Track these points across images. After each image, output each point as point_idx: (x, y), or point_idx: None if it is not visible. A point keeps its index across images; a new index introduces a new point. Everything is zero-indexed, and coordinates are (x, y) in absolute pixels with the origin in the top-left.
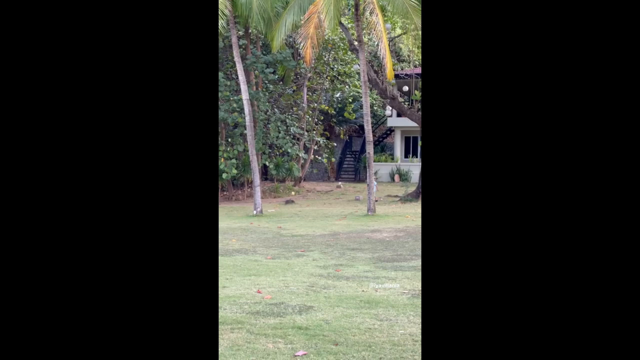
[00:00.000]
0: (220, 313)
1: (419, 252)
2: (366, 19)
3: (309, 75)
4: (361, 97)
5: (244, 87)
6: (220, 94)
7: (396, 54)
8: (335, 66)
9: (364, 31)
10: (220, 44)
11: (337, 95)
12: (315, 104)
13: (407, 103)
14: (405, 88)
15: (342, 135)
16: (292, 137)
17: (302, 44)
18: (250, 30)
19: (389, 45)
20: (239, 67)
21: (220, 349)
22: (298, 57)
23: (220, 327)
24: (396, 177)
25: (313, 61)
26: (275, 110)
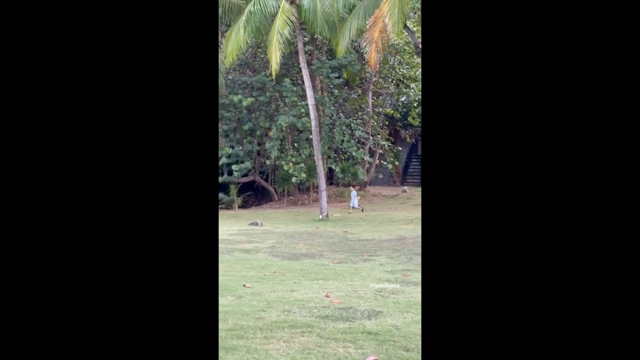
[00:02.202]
0: (290, 317)
1: None
2: None
3: (374, 79)
4: None
5: (309, 92)
6: (287, 99)
7: None
8: (401, 70)
9: None
10: (287, 51)
11: (403, 99)
12: (381, 108)
13: None
14: None
15: (407, 139)
16: (357, 141)
17: (366, 49)
18: (315, 36)
19: None
20: (305, 73)
21: (292, 352)
22: (363, 62)
23: (291, 330)
24: None
25: (378, 65)
26: (341, 114)
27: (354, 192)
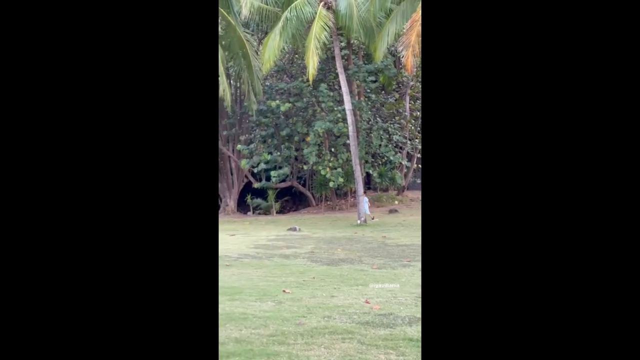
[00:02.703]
0: (330, 322)
1: None
2: None
3: (411, 83)
4: None
5: (346, 97)
6: (324, 104)
7: None
8: None
9: None
10: (323, 56)
11: None
12: (418, 112)
13: None
14: None
15: None
16: (394, 145)
17: (403, 52)
18: (352, 41)
19: None
20: (342, 78)
21: (333, 359)
22: (399, 66)
23: (331, 336)
24: None
25: (415, 69)
26: (378, 119)
27: (365, 199)
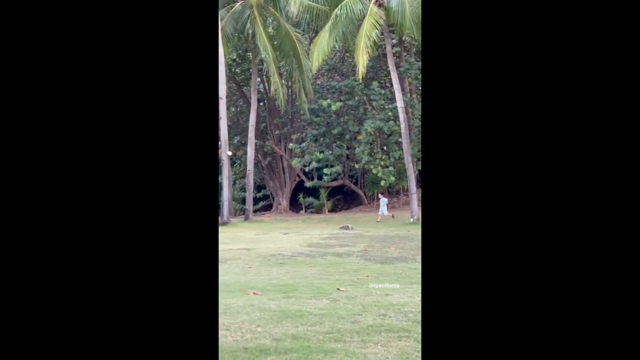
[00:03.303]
0: (386, 321)
1: None
2: None
3: None
4: None
5: (398, 94)
6: (375, 102)
7: None
8: None
9: None
10: (374, 54)
11: None
12: None
13: None
14: None
15: None
16: None
17: None
18: (403, 38)
19: None
20: (394, 76)
21: (390, 357)
22: None
23: (388, 334)
24: None
25: None
26: None
27: (383, 200)
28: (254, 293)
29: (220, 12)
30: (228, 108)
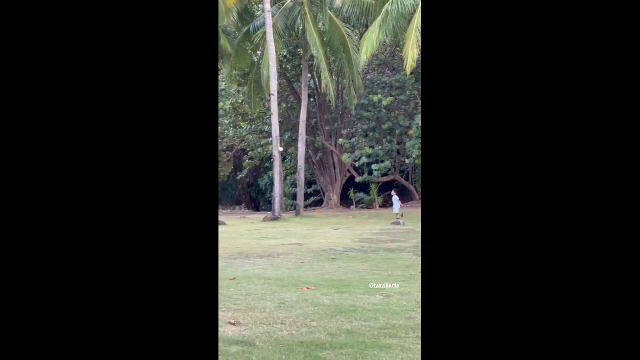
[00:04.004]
0: None
1: None
2: None
3: None
4: None
5: None
6: None
7: None
8: None
9: None
10: None
11: None
12: None
13: None
14: None
15: None
16: None
17: None
18: None
19: None
20: None
21: None
22: None
23: None
24: None
25: None
26: None
27: (396, 197)
28: (307, 288)
29: (272, 9)
30: (279, 104)
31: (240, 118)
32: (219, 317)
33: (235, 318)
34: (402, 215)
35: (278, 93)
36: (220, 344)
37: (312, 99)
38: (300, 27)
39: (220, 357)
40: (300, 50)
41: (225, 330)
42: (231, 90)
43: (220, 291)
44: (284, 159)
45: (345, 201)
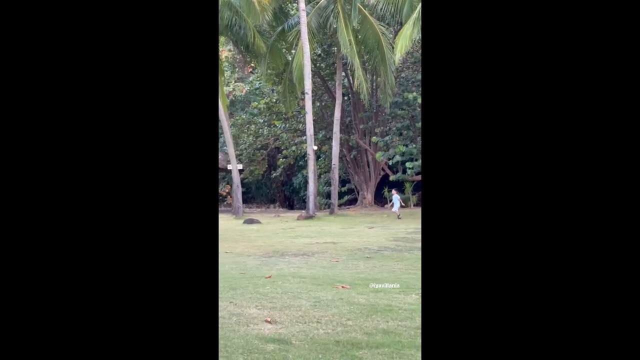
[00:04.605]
0: None
1: None
2: None
3: None
4: None
5: None
6: None
7: None
8: None
9: None
10: None
11: None
12: None
13: None
14: None
15: None
16: None
17: None
18: None
19: None
20: None
21: None
22: None
23: None
24: None
25: None
26: None
27: (396, 196)
28: (342, 287)
29: (306, 8)
30: (313, 103)
31: (274, 117)
32: (255, 315)
33: (271, 316)
34: (399, 217)
35: (312, 91)
36: (256, 342)
37: (346, 98)
38: (334, 26)
39: (257, 354)
40: (335, 49)
41: (261, 328)
42: (265, 89)
43: (255, 289)
44: (317, 158)
45: (379, 200)
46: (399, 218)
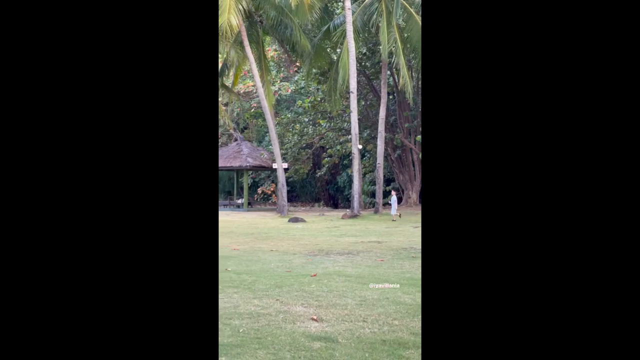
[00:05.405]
0: None
1: None
2: None
3: None
4: None
5: None
6: None
7: None
8: None
9: None
10: None
11: None
12: None
13: None
14: None
15: None
16: None
17: None
18: None
19: None
20: None
21: None
22: None
23: None
24: None
25: None
26: None
27: (394, 198)
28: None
29: (352, 6)
30: (358, 102)
31: (319, 115)
32: (301, 313)
33: (317, 314)
34: (399, 216)
35: (357, 90)
36: (303, 339)
37: (391, 96)
38: (379, 24)
39: (303, 352)
40: (380, 47)
41: (307, 326)
42: (310, 88)
43: (301, 287)
44: (362, 157)
45: None
46: (393, 220)
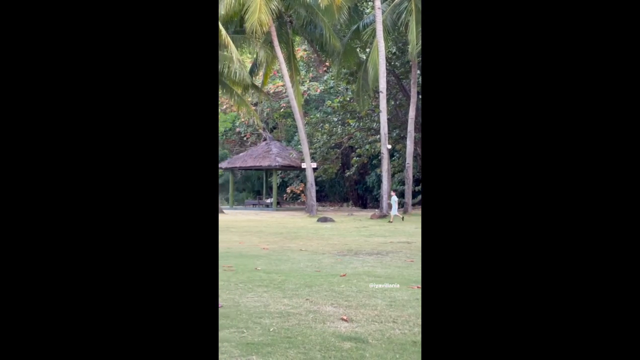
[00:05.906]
0: None
1: None
2: None
3: None
4: None
5: None
6: None
7: None
8: None
9: None
10: None
11: None
12: None
13: None
14: None
15: None
16: None
17: None
18: None
19: None
20: None
21: None
22: None
23: None
24: None
25: None
26: None
27: (394, 198)
28: (418, 287)
29: (382, 6)
30: (387, 101)
31: (348, 115)
32: (331, 313)
33: (347, 314)
34: (402, 219)
35: (386, 90)
36: (333, 339)
37: (420, 96)
38: (409, 23)
39: (334, 352)
40: (409, 47)
41: (337, 326)
42: (339, 88)
43: (330, 287)
44: (391, 157)
45: None
46: (390, 222)
